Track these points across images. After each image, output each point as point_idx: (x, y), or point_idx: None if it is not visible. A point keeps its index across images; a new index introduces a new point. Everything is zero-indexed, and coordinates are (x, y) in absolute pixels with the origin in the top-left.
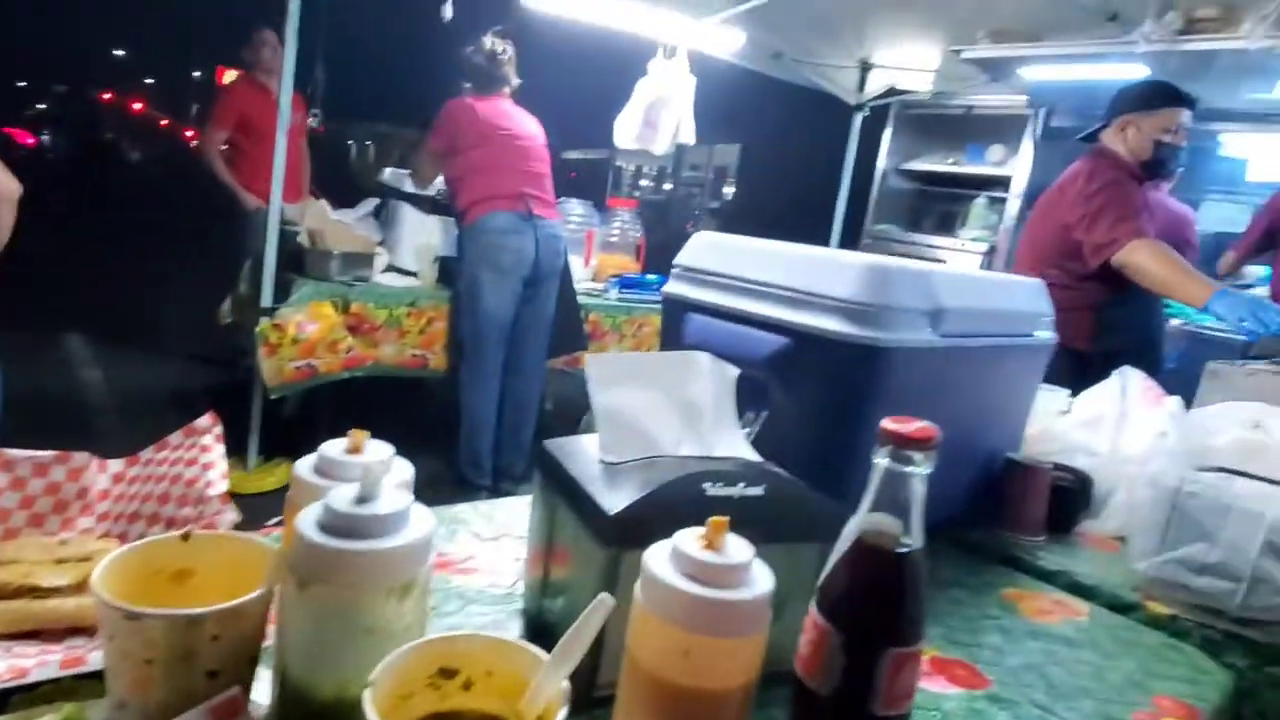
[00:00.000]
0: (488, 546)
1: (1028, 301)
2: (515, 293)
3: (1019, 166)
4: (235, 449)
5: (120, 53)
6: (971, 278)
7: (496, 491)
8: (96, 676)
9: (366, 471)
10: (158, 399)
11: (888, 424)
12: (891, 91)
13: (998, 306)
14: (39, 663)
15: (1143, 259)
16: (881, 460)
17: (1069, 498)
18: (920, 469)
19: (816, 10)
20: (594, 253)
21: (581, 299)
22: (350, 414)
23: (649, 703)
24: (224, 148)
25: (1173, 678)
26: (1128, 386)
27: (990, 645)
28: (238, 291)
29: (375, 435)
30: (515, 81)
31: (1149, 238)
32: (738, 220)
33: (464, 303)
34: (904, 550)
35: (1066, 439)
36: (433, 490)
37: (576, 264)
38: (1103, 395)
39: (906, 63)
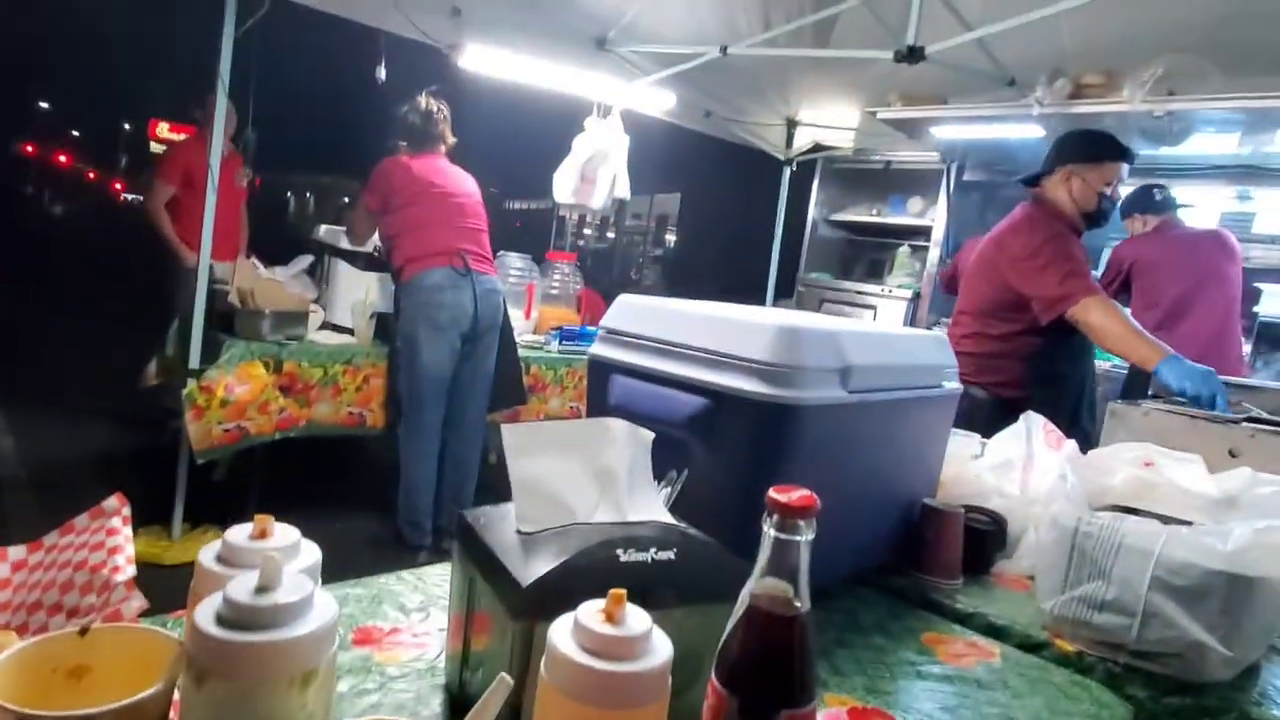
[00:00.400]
0: (414, 618)
1: (933, 354)
2: (453, 349)
3: (937, 217)
4: (161, 516)
5: (45, 105)
6: (878, 335)
7: (437, 551)
8: None
9: (267, 560)
10: (76, 468)
11: (773, 494)
12: (817, 148)
13: (903, 361)
14: None
15: (1098, 318)
16: (770, 530)
17: (984, 539)
18: (805, 535)
19: (742, 73)
20: (535, 305)
21: (523, 351)
22: (286, 476)
23: None
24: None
25: (1076, 714)
26: (1031, 430)
27: (908, 691)
28: (164, 353)
29: (313, 496)
30: (451, 140)
31: (1100, 294)
32: (680, 269)
33: (401, 360)
34: (793, 614)
35: (979, 482)
36: (372, 551)
37: (518, 317)
38: (1011, 439)
39: (829, 121)
